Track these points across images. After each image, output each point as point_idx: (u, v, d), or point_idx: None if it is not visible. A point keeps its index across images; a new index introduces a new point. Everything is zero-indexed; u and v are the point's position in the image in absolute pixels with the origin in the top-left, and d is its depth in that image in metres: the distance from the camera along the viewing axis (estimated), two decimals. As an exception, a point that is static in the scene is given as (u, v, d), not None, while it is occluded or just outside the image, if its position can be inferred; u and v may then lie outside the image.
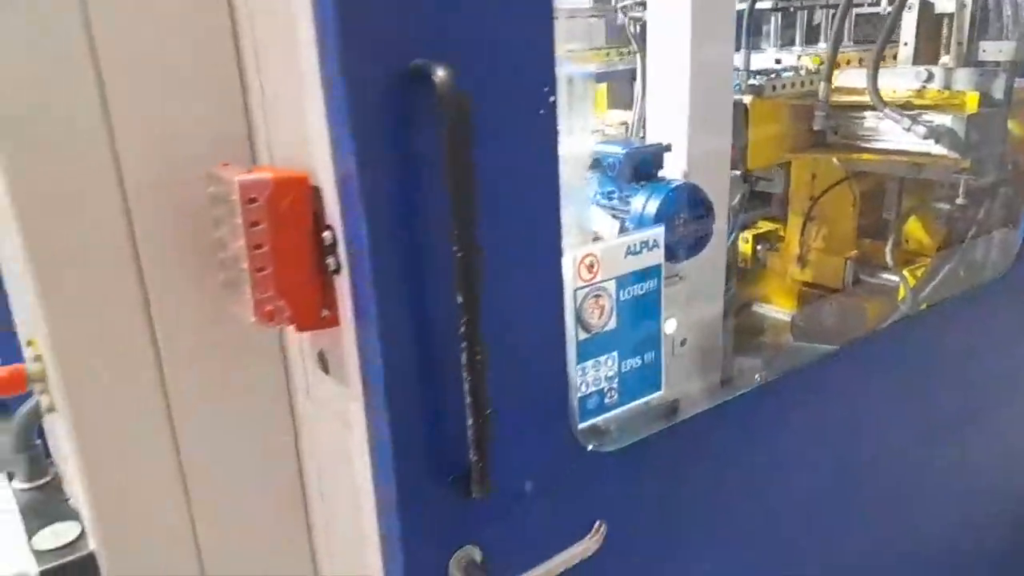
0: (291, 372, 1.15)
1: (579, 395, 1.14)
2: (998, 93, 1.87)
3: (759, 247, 2.34)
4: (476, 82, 0.87)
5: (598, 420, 1.22)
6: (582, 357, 1.12)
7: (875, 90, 1.82)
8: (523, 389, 1.03)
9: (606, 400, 1.16)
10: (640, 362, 1.18)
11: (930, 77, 1.97)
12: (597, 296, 1.10)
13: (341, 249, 0.92)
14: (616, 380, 1.16)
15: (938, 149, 1.86)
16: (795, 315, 2.26)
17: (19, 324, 1.23)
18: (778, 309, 2.34)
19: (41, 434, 1.40)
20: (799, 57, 2.28)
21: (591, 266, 1.09)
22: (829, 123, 1.97)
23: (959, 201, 2.02)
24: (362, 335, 0.94)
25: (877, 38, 1.86)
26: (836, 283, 2.31)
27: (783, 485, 1.53)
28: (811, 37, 2.59)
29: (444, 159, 0.84)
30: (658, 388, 1.22)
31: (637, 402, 1.20)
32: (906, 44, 2.14)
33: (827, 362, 1.61)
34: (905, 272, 2.13)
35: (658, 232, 1.13)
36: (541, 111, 0.97)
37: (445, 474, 0.98)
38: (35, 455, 1.33)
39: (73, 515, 1.20)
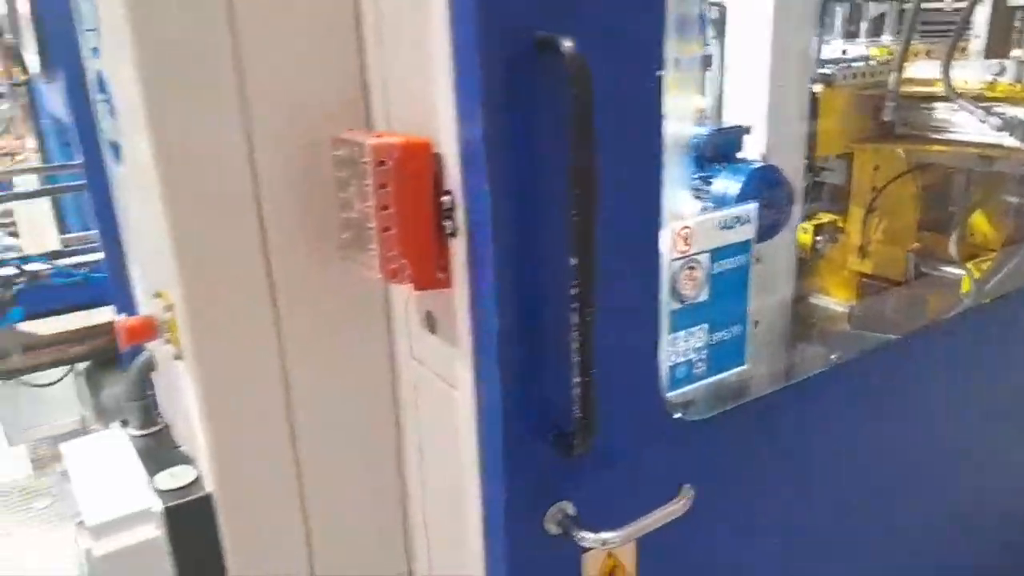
0: (393, 333, 1.21)
1: (669, 364, 1.17)
2: (1070, 87, 1.87)
3: (819, 238, 2.34)
4: (593, 55, 0.91)
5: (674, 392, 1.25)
6: (674, 327, 1.16)
7: (949, 82, 1.82)
8: (619, 356, 1.07)
9: (694, 370, 1.20)
10: (728, 335, 1.21)
11: (1002, 70, 1.97)
12: (692, 268, 1.13)
13: (459, 213, 0.97)
14: (705, 351, 1.20)
15: (1011, 142, 1.86)
16: (853, 306, 2.26)
17: (137, 279, 1.30)
18: (834, 300, 2.34)
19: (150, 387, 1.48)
20: (867, 48, 2.29)
21: (687, 238, 1.12)
22: (899, 114, 1.98)
23: (1029, 195, 2.02)
24: (477, 297, 0.98)
25: (938, 31, 1.87)
26: (896, 275, 2.31)
27: (850, 462, 1.56)
28: (872, 30, 2.59)
29: (568, 128, 0.89)
30: (742, 362, 1.25)
31: (723, 375, 1.23)
32: (977, 37, 2.13)
33: (894, 348, 1.63)
34: (969, 265, 2.13)
35: (751, 208, 1.16)
36: (650, 86, 1.01)
37: (547, 432, 1.03)
38: (147, 404, 1.41)
39: (186, 461, 1.27)
